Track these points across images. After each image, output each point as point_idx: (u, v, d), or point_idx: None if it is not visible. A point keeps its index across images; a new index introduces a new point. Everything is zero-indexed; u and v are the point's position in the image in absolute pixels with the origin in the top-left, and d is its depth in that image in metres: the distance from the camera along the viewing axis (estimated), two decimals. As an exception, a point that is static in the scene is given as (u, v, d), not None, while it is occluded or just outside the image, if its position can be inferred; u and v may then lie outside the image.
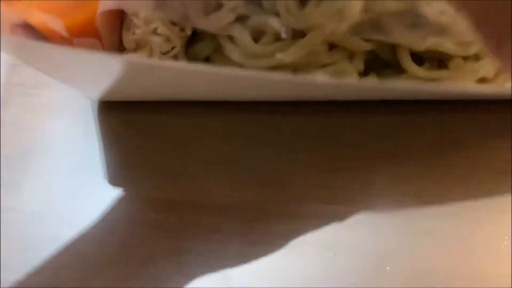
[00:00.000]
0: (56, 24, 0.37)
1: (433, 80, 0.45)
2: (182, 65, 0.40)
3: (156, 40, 0.42)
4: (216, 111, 0.48)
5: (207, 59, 0.47)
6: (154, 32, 0.42)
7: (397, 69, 0.47)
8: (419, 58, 0.46)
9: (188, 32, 0.43)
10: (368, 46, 0.45)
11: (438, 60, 0.47)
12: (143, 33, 0.42)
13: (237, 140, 0.48)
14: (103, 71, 0.37)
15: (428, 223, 0.42)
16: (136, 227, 0.43)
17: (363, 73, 0.47)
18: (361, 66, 0.46)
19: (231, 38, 0.44)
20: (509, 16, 0.22)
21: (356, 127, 0.48)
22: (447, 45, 0.44)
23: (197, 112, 0.48)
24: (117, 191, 0.45)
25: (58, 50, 0.34)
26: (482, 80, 0.46)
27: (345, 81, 0.40)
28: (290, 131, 0.49)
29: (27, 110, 0.50)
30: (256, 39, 0.45)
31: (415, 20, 0.44)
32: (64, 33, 0.38)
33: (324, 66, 0.44)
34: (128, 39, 0.43)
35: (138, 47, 0.44)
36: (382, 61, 0.48)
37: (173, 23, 0.42)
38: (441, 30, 0.43)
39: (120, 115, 0.49)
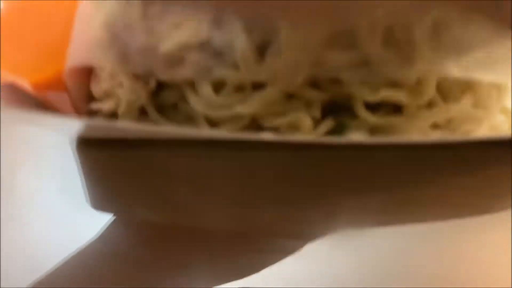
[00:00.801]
0: (22, 82, 0.40)
1: (384, 126, 0.47)
2: (139, 126, 0.42)
3: (121, 92, 0.45)
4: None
5: (174, 106, 0.49)
6: (120, 85, 0.44)
7: (352, 113, 0.50)
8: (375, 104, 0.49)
9: (152, 84, 0.45)
10: (324, 96, 0.48)
11: (394, 106, 0.49)
12: (109, 86, 0.44)
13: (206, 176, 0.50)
14: (67, 129, 0.39)
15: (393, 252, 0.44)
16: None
17: (321, 117, 0.50)
18: (317, 113, 0.48)
19: (193, 89, 0.47)
20: None
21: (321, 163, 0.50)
22: (399, 96, 0.46)
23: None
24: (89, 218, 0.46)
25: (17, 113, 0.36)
26: (435, 126, 0.48)
27: (289, 137, 0.42)
28: (255, 166, 0.50)
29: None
30: (217, 89, 0.47)
31: (368, 73, 0.47)
32: (31, 89, 0.41)
33: (279, 114, 0.47)
34: (96, 90, 0.45)
35: (106, 96, 0.46)
36: (338, 105, 0.50)
37: (137, 76, 0.44)
38: (392, 83, 0.46)
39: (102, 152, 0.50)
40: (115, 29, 0.43)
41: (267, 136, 0.39)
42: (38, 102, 0.42)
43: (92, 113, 0.47)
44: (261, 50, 0.48)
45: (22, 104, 0.41)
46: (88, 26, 0.42)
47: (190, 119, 0.49)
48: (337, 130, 0.50)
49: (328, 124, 0.49)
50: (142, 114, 0.48)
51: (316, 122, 0.49)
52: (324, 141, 0.44)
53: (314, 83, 0.48)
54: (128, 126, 0.40)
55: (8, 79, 0.40)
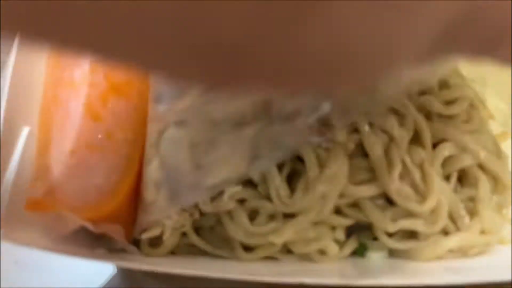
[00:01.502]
0: (80, 218, 0.45)
1: (403, 250, 0.53)
2: (173, 269, 0.46)
3: (169, 222, 0.50)
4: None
5: (211, 228, 0.55)
6: (168, 217, 0.50)
7: (373, 233, 0.55)
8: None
9: (196, 215, 0.51)
10: (347, 222, 0.53)
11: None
12: (158, 218, 0.49)
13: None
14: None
15: None
16: None
17: (346, 236, 0.55)
18: (342, 236, 0.54)
19: (231, 217, 0.52)
20: (506, 17, 0.23)
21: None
22: (416, 226, 0.52)
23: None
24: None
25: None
26: (450, 251, 0.53)
27: (327, 281, 0.46)
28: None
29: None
30: (252, 216, 0.53)
31: (387, 204, 0.53)
32: (88, 224, 0.46)
33: (309, 240, 0.52)
34: (143, 220, 0.51)
35: (153, 226, 0.51)
36: (361, 226, 0.56)
37: (184, 209, 0.50)
38: (409, 213, 0.52)
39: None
40: (168, 170, 0.49)
41: (308, 280, 0.43)
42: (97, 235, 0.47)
43: (137, 242, 0.52)
44: (291, 179, 0.54)
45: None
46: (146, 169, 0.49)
47: (226, 241, 0.54)
48: (360, 251, 0.55)
49: (351, 246, 0.55)
50: (182, 235, 0.54)
51: (341, 244, 0.54)
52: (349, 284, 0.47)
53: (338, 210, 0.54)
54: (163, 270, 0.45)
55: (77, 223, 0.45)
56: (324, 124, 0.53)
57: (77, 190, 0.46)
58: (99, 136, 0.48)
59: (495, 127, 0.59)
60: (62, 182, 0.46)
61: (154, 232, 0.51)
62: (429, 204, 0.51)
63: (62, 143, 0.48)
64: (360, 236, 0.56)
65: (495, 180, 0.55)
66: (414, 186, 0.52)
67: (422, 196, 0.52)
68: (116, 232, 0.47)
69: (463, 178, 0.56)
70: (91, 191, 0.46)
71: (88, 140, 0.47)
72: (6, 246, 0.45)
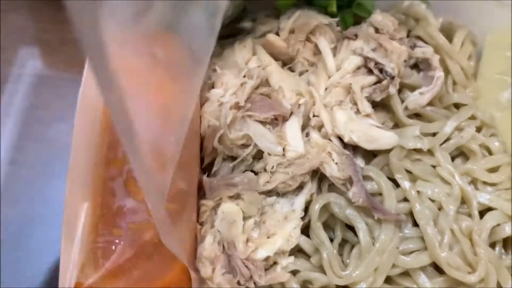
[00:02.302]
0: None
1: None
2: None
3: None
4: None
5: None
6: None
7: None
8: None
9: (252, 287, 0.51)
10: (398, 292, 0.54)
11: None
12: None
13: None
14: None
15: None
16: None
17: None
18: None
19: (284, 288, 0.53)
20: None
21: None
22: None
23: None
24: None
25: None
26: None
27: None
28: None
29: None
30: (304, 285, 0.54)
31: (434, 271, 0.54)
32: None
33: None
34: None
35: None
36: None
37: (239, 283, 0.51)
38: (459, 283, 0.52)
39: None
40: (223, 245, 0.50)
41: None
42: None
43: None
44: (342, 248, 0.55)
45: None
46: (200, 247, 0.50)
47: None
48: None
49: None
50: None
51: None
52: None
53: (388, 279, 0.54)
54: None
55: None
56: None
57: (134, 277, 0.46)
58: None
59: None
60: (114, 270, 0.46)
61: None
62: (479, 274, 0.52)
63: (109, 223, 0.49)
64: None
65: (538, 245, 0.56)
66: (463, 256, 0.53)
67: (471, 265, 0.53)
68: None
69: (506, 244, 0.57)
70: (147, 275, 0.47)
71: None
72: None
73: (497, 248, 0.56)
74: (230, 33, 0.67)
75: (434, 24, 0.63)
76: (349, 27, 0.64)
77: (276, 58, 0.62)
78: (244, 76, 0.57)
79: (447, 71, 0.63)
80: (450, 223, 0.53)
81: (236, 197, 0.52)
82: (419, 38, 0.65)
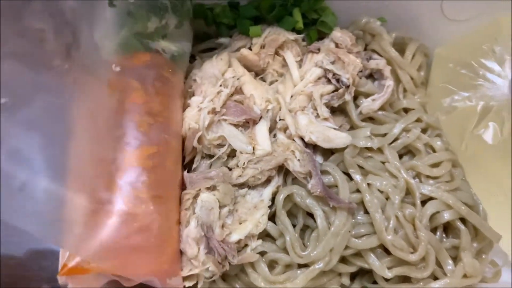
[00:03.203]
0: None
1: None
2: None
3: (205, 274, 0.59)
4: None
5: (236, 275, 0.64)
6: (207, 269, 0.59)
7: (374, 277, 0.65)
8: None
9: (227, 267, 0.60)
10: (352, 269, 0.63)
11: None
12: (200, 271, 0.59)
13: None
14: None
15: None
16: None
17: (350, 279, 0.65)
18: (347, 281, 0.63)
19: (253, 266, 0.62)
20: None
21: None
22: (409, 273, 0.61)
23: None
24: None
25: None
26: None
27: None
28: None
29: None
30: (271, 267, 0.62)
31: (383, 252, 0.63)
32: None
33: (319, 286, 0.61)
34: (186, 272, 0.59)
35: (189, 278, 0.60)
36: (363, 271, 0.65)
37: (218, 262, 0.59)
38: (403, 262, 0.61)
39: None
40: (204, 229, 0.58)
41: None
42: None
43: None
44: (304, 233, 0.64)
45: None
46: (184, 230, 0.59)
47: (248, 287, 0.63)
48: (363, 294, 0.64)
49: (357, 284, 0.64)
50: (211, 282, 0.63)
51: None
52: None
53: (343, 259, 0.63)
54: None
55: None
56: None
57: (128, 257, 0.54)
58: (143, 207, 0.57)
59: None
60: (109, 250, 0.54)
61: (191, 282, 0.60)
62: (419, 254, 0.61)
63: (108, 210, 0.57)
64: (362, 279, 0.66)
65: (475, 230, 0.65)
66: (406, 239, 0.62)
67: (413, 246, 0.62)
68: (154, 282, 0.56)
69: (448, 229, 0.66)
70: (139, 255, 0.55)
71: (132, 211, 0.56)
72: None
73: (438, 233, 0.65)
74: (209, 48, 0.76)
75: (387, 39, 0.72)
76: (313, 42, 0.74)
77: (249, 69, 0.71)
78: (220, 85, 0.66)
79: (398, 80, 0.73)
80: (395, 210, 0.62)
81: (213, 188, 0.61)
82: (374, 51, 0.74)
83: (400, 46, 0.76)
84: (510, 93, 0.66)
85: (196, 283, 0.60)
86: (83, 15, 0.56)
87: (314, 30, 0.75)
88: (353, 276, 0.66)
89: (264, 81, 0.72)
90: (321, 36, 0.75)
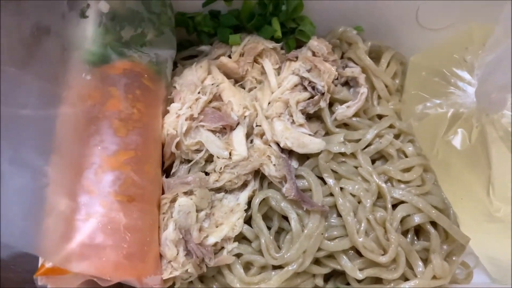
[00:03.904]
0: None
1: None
2: None
3: (184, 275, 0.61)
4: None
5: (213, 277, 0.66)
6: (186, 271, 0.61)
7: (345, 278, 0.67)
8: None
9: (204, 269, 0.62)
10: (325, 271, 0.65)
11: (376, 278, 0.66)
12: (179, 273, 0.60)
13: None
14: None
15: None
16: None
17: (324, 280, 0.67)
18: (320, 282, 0.65)
19: (229, 268, 0.64)
20: None
21: None
22: (380, 274, 0.64)
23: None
24: None
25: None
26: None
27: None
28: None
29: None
30: (247, 266, 0.64)
31: (355, 254, 0.65)
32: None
33: (295, 287, 0.63)
34: (166, 275, 0.61)
35: (166, 281, 0.62)
36: (337, 272, 0.67)
37: (197, 265, 0.61)
38: (374, 263, 0.63)
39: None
40: (181, 232, 0.60)
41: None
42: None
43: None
44: (279, 236, 0.66)
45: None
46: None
47: (225, 286, 0.65)
48: (336, 295, 0.67)
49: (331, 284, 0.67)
50: (189, 284, 0.65)
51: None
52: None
53: (317, 261, 0.65)
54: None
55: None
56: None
57: (110, 260, 0.56)
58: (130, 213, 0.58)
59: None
60: (91, 252, 0.56)
61: (168, 284, 0.62)
62: (390, 256, 0.63)
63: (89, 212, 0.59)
64: (336, 281, 0.68)
65: (445, 233, 0.67)
66: (377, 241, 0.64)
67: (383, 249, 0.64)
68: (132, 282, 0.58)
69: (419, 232, 0.68)
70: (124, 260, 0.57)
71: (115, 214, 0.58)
72: None
73: (409, 236, 0.67)
74: (190, 55, 0.78)
75: (362, 47, 0.75)
76: (291, 51, 0.76)
77: (229, 76, 0.73)
78: (199, 93, 0.69)
79: (373, 88, 0.75)
80: (367, 213, 0.64)
81: (190, 193, 0.63)
82: (350, 59, 0.76)
83: (377, 54, 0.79)
84: (477, 101, 0.68)
85: (173, 284, 0.63)
86: (53, 25, 0.58)
87: (292, 39, 0.77)
88: (327, 278, 0.68)
89: (244, 88, 0.74)
90: (300, 45, 0.78)
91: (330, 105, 0.72)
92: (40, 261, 0.54)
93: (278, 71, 0.75)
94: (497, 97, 0.64)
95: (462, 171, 0.68)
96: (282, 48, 0.77)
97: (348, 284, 0.67)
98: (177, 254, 0.60)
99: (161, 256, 0.61)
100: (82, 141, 0.59)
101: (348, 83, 0.75)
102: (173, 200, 0.62)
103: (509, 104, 0.68)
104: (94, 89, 0.62)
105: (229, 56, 0.74)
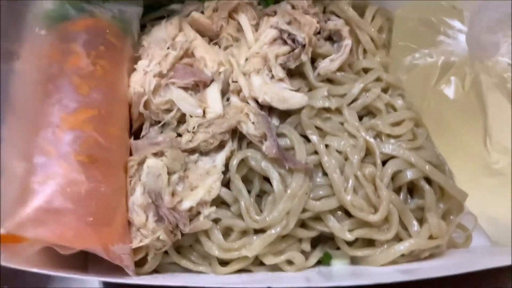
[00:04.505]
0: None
1: (362, 257, 0.59)
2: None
3: (157, 244, 0.56)
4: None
5: (191, 247, 0.61)
6: (158, 238, 0.55)
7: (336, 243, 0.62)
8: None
9: (178, 236, 0.57)
10: (312, 234, 0.60)
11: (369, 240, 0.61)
12: (150, 241, 0.55)
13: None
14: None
15: None
16: None
17: (312, 246, 0.61)
18: (307, 247, 0.60)
19: (207, 235, 0.58)
20: None
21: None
22: (371, 234, 0.59)
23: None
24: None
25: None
26: (403, 256, 0.60)
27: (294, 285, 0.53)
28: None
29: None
30: (226, 233, 0.59)
31: (344, 214, 0.60)
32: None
33: (277, 253, 0.58)
34: (136, 244, 0.56)
35: (137, 251, 0.57)
36: (324, 236, 0.62)
37: (170, 231, 0.56)
38: (364, 223, 0.58)
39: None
40: (151, 196, 0.55)
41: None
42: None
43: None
44: (261, 199, 0.61)
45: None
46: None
47: (204, 257, 0.60)
48: (325, 260, 0.61)
49: (317, 256, 0.61)
50: (165, 255, 0.60)
51: (307, 254, 0.61)
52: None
53: (303, 224, 0.60)
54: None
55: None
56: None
57: (73, 224, 0.51)
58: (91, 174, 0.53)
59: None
60: (53, 215, 0.50)
61: (140, 254, 0.57)
62: (381, 214, 0.58)
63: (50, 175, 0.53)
64: (325, 246, 0.63)
65: (441, 190, 0.62)
66: (367, 199, 0.59)
67: (374, 207, 0.59)
68: (96, 250, 0.52)
69: (413, 190, 0.63)
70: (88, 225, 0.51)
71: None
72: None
73: (402, 193, 0.62)
74: (162, 16, 0.73)
75: (344, -1, 0.70)
76: (269, 6, 0.71)
77: (202, 34, 0.68)
78: (168, 48, 0.63)
79: (358, 42, 0.70)
80: (354, 170, 0.59)
81: (160, 154, 0.58)
82: (333, 13, 0.71)
83: (362, 10, 0.74)
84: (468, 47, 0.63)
85: (146, 255, 0.57)
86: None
87: (271, -6, 0.73)
88: (315, 244, 0.62)
89: (219, 46, 0.69)
90: (278, 1, 0.73)
91: (313, 61, 0.67)
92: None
93: (256, 27, 0.69)
94: (488, 39, 0.60)
95: (455, 122, 0.64)
96: (259, 4, 0.71)
97: (338, 249, 0.62)
98: (146, 220, 0.55)
99: (130, 223, 0.56)
100: (39, 99, 0.54)
101: (332, 38, 0.70)
102: (141, 162, 0.57)
103: (502, 49, 0.63)
104: (50, 46, 0.57)
105: (202, 12, 0.69)
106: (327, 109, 0.63)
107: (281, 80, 0.63)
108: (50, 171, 0.50)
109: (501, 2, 0.54)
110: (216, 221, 0.59)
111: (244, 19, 0.68)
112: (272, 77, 0.63)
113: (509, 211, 0.64)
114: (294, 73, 0.66)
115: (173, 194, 0.57)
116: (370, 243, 0.61)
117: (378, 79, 0.66)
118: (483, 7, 0.58)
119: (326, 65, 0.66)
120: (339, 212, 0.60)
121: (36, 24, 0.57)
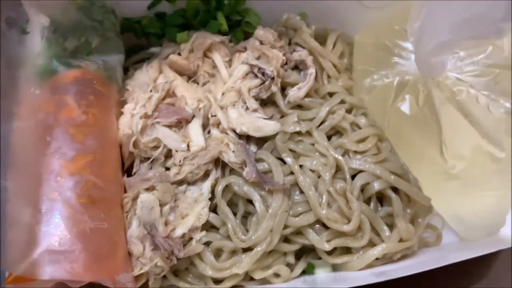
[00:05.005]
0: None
1: (342, 264, 0.66)
2: None
3: (155, 270, 0.62)
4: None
5: (186, 269, 0.67)
6: (156, 265, 0.61)
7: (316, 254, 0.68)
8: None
9: (174, 261, 0.63)
10: (295, 247, 0.66)
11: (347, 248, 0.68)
12: (149, 268, 0.61)
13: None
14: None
15: None
16: None
17: (296, 258, 0.68)
18: (292, 259, 0.67)
19: (200, 257, 0.65)
20: None
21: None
22: (347, 243, 0.65)
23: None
24: None
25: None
26: (377, 259, 0.67)
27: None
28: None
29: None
30: (217, 253, 0.65)
31: (322, 227, 0.66)
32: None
33: (265, 267, 0.65)
34: (137, 272, 0.62)
35: (139, 277, 0.62)
36: (308, 249, 0.69)
37: (166, 258, 0.62)
38: (340, 233, 0.65)
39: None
40: (146, 227, 0.61)
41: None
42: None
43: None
44: (245, 219, 0.67)
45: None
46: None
47: (199, 278, 0.66)
48: (309, 270, 0.68)
49: (301, 266, 0.68)
50: (163, 279, 0.66)
51: (292, 266, 0.67)
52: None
53: (286, 239, 0.67)
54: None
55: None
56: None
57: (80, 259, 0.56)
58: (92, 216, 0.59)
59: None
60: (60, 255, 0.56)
61: (142, 281, 0.62)
62: (354, 223, 0.65)
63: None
64: (308, 257, 0.69)
65: (407, 197, 0.70)
66: (340, 211, 0.66)
67: (347, 218, 0.66)
68: (104, 281, 0.58)
69: (382, 198, 0.70)
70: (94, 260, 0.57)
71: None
72: None
73: (372, 203, 0.69)
74: (143, 59, 0.80)
75: (306, 31, 0.77)
76: (240, 42, 0.78)
77: (181, 74, 0.75)
78: (151, 91, 0.70)
79: (322, 68, 0.78)
80: (327, 186, 0.66)
81: (151, 188, 0.64)
82: (298, 44, 0.79)
83: (324, 38, 0.81)
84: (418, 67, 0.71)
85: (147, 281, 0.63)
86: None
87: (239, 31, 0.80)
88: (299, 256, 0.69)
89: (197, 83, 0.75)
90: (247, 37, 0.80)
91: (283, 89, 0.74)
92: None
93: (230, 63, 0.77)
94: (435, 60, 0.67)
95: (414, 135, 0.71)
96: (230, 41, 0.79)
97: (320, 259, 0.68)
98: (144, 250, 0.61)
99: (130, 254, 0.62)
100: (39, 151, 0.60)
101: (298, 67, 0.77)
102: (135, 198, 0.63)
103: (449, 66, 0.71)
104: (44, 101, 0.63)
105: (179, 54, 0.76)
106: (298, 133, 0.70)
107: (255, 110, 0.70)
108: (56, 214, 0.56)
109: (438, 29, 0.61)
110: (207, 244, 0.65)
111: (217, 57, 0.75)
112: (247, 108, 0.70)
113: (472, 210, 0.72)
114: (267, 102, 0.74)
115: (166, 223, 0.63)
116: (347, 250, 0.68)
117: (342, 102, 0.73)
118: (422, 35, 0.65)
119: (294, 93, 0.73)
120: (317, 225, 0.67)
121: (31, 85, 0.63)
